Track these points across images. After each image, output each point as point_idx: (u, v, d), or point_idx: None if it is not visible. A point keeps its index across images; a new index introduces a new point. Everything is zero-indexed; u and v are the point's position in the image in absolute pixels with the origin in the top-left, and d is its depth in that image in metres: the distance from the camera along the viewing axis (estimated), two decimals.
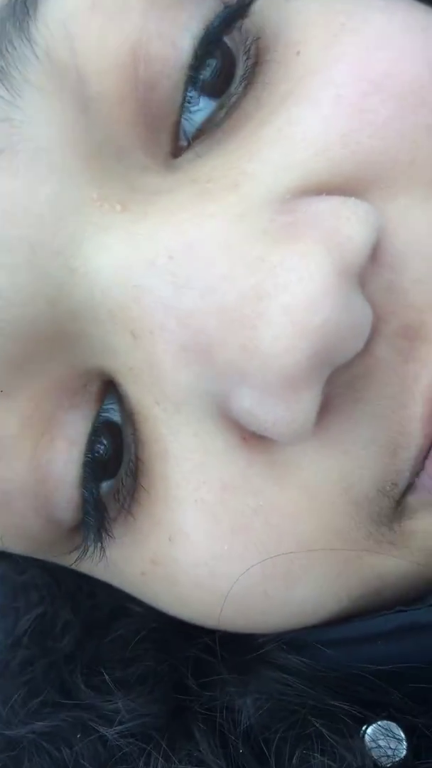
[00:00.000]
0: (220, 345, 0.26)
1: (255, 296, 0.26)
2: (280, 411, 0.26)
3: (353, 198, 0.27)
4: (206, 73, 0.28)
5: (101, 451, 0.31)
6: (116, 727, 0.36)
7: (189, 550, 0.30)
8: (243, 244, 0.26)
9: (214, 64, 0.29)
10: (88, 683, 0.38)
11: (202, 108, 0.29)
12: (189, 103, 0.28)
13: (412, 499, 0.31)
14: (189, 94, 0.28)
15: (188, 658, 0.37)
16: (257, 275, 0.26)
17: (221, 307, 0.26)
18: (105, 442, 0.31)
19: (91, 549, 0.32)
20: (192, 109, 0.29)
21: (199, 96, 0.29)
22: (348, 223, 0.26)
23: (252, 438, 0.29)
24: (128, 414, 0.31)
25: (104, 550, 0.32)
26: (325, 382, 0.27)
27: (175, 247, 0.27)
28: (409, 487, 0.30)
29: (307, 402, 0.26)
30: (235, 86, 0.29)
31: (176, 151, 0.29)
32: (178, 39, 0.28)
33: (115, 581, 0.35)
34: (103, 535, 0.32)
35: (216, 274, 0.26)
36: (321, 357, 0.26)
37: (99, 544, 0.32)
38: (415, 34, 0.29)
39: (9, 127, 0.26)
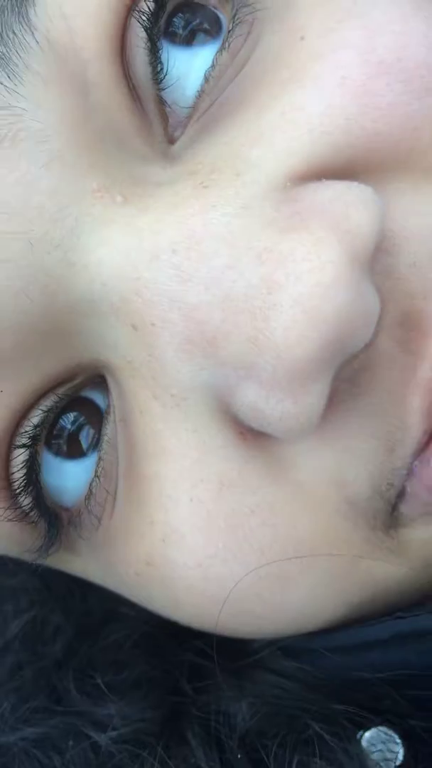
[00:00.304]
0: (225, 337, 0.26)
1: (265, 287, 0.25)
2: (288, 405, 0.26)
3: (356, 182, 0.27)
4: (180, 37, 0.28)
5: (60, 443, 0.31)
6: (109, 733, 0.35)
7: (183, 550, 0.30)
8: (249, 234, 0.26)
9: (185, 29, 0.28)
10: (80, 688, 0.37)
11: (186, 83, 0.28)
12: (160, 72, 0.28)
13: (405, 509, 0.30)
14: (160, 63, 0.28)
15: (182, 663, 0.37)
16: (267, 266, 0.25)
17: (226, 299, 0.26)
18: (66, 432, 0.31)
19: (48, 539, 0.31)
20: (172, 83, 0.28)
21: (169, 66, 0.28)
22: (356, 210, 0.26)
23: (250, 434, 0.29)
24: (122, 409, 0.30)
25: (60, 543, 0.32)
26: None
27: (179, 240, 0.26)
28: (402, 494, 0.30)
29: (316, 396, 0.26)
30: (223, 56, 0.28)
31: (171, 137, 0.29)
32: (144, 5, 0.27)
33: (110, 583, 0.35)
34: (60, 529, 0.31)
35: (220, 265, 0.26)
36: (333, 347, 0.25)
37: (55, 535, 0.31)
38: (423, 18, 0.28)
39: (10, 115, 0.26)
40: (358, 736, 0.34)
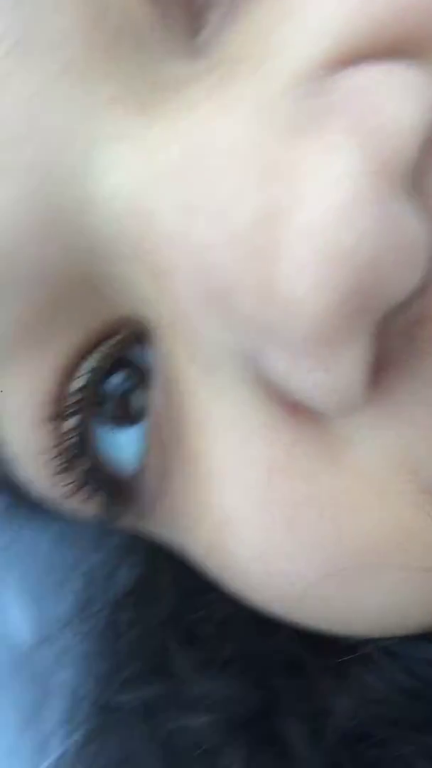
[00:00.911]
0: (238, 288, 0.20)
1: (267, 217, 0.19)
2: (319, 376, 0.20)
3: (403, 64, 0.19)
4: None
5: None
6: (203, 715, 0.33)
7: (241, 541, 0.25)
8: (258, 144, 0.19)
9: None
10: (181, 657, 0.35)
11: None
12: None
13: None
14: None
15: (280, 647, 0.33)
16: (272, 187, 0.19)
17: (233, 236, 0.19)
18: (113, 397, 0.26)
19: (109, 512, 0.28)
20: None
21: None
22: (392, 100, 0.18)
23: (299, 408, 0.23)
24: (165, 373, 0.25)
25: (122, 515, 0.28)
26: (376, 332, 0.20)
27: (185, 156, 0.20)
28: None
29: (350, 363, 0.19)
30: None
31: (196, 27, 0.22)
32: None
33: (191, 557, 0.31)
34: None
35: (225, 190, 0.19)
36: (362, 297, 0.18)
37: (117, 507, 0.28)
38: None
39: (21, 15, 0.21)
40: None
